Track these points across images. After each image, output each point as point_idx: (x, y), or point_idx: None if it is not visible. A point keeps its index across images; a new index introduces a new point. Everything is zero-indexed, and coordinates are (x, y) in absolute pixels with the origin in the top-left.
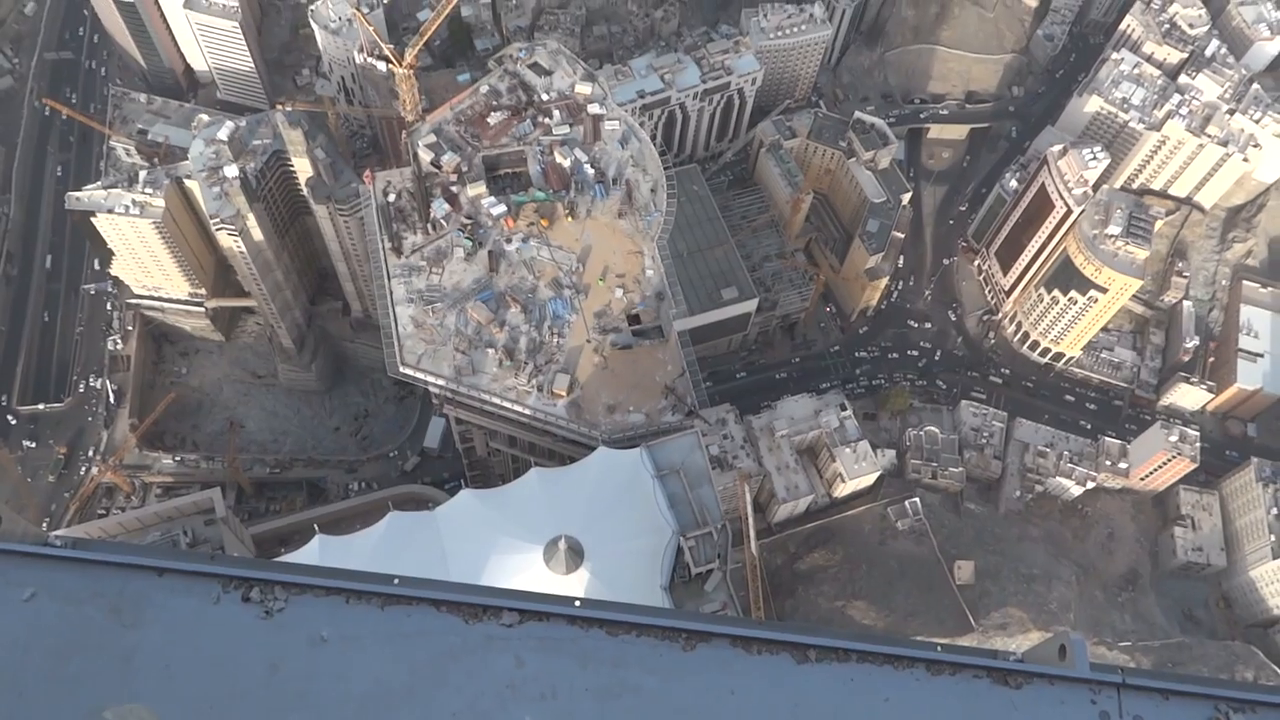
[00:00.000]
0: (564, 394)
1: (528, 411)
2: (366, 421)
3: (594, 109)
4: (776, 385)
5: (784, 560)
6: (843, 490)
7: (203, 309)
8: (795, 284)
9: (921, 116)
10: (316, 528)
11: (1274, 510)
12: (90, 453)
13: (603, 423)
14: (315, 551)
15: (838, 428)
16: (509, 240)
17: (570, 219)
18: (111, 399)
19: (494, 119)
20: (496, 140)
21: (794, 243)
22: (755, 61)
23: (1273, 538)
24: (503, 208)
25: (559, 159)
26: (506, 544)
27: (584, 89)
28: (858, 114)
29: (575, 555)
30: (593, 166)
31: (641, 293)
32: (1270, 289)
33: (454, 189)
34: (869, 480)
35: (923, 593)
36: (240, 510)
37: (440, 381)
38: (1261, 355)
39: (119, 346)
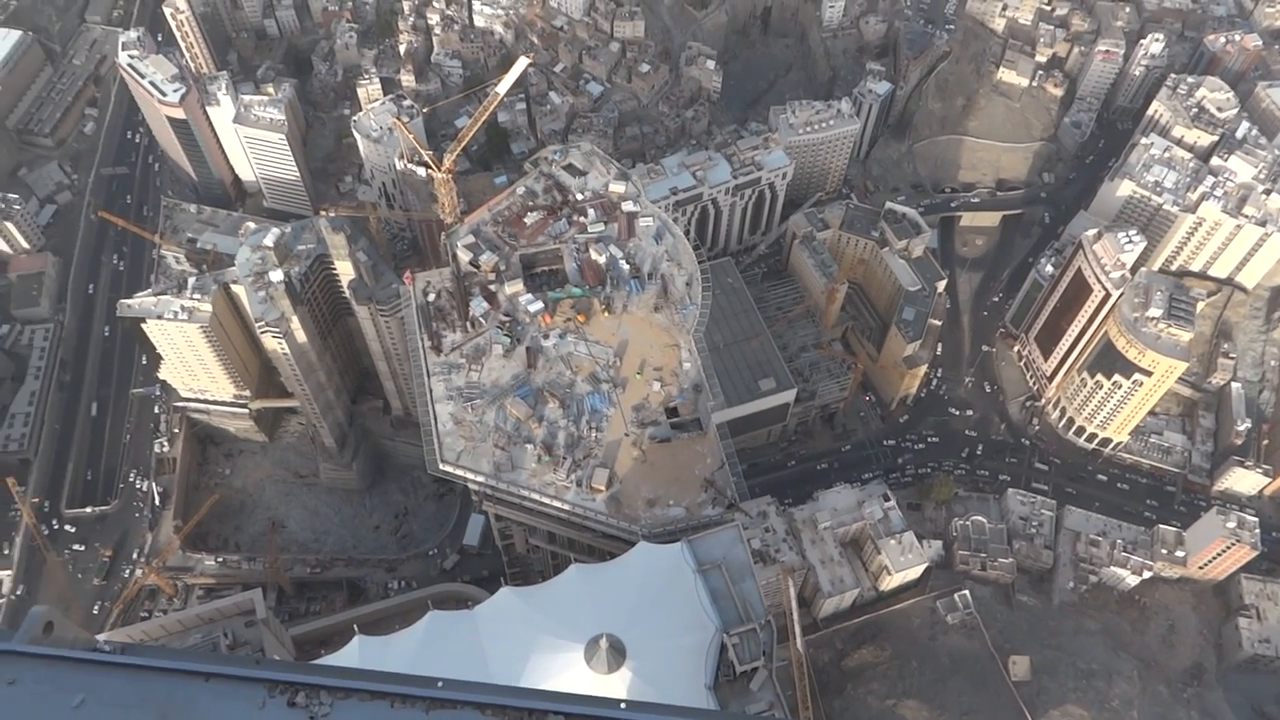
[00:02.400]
0: (603, 488)
1: (567, 507)
2: (406, 519)
3: (628, 206)
4: (817, 476)
5: (831, 657)
6: (889, 583)
7: (247, 410)
8: (833, 373)
9: (953, 205)
10: (356, 628)
11: None
12: (135, 555)
13: (642, 517)
14: (355, 653)
15: (882, 519)
16: (546, 336)
17: (606, 314)
18: (157, 501)
19: (530, 219)
20: (533, 239)
21: (830, 332)
22: (785, 157)
23: None
24: (540, 304)
25: (594, 256)
26: (547, 643)
27: (618, 187)
28: (889, 204)
29: (617, 654)
30: (628, 262)
31: (679, 385)
32: None
33: (492, 287)
34: (916, 573)
35: (977, 690)
36: (280, 611)
37: (480, 478)
38: None
39: (165, 449)
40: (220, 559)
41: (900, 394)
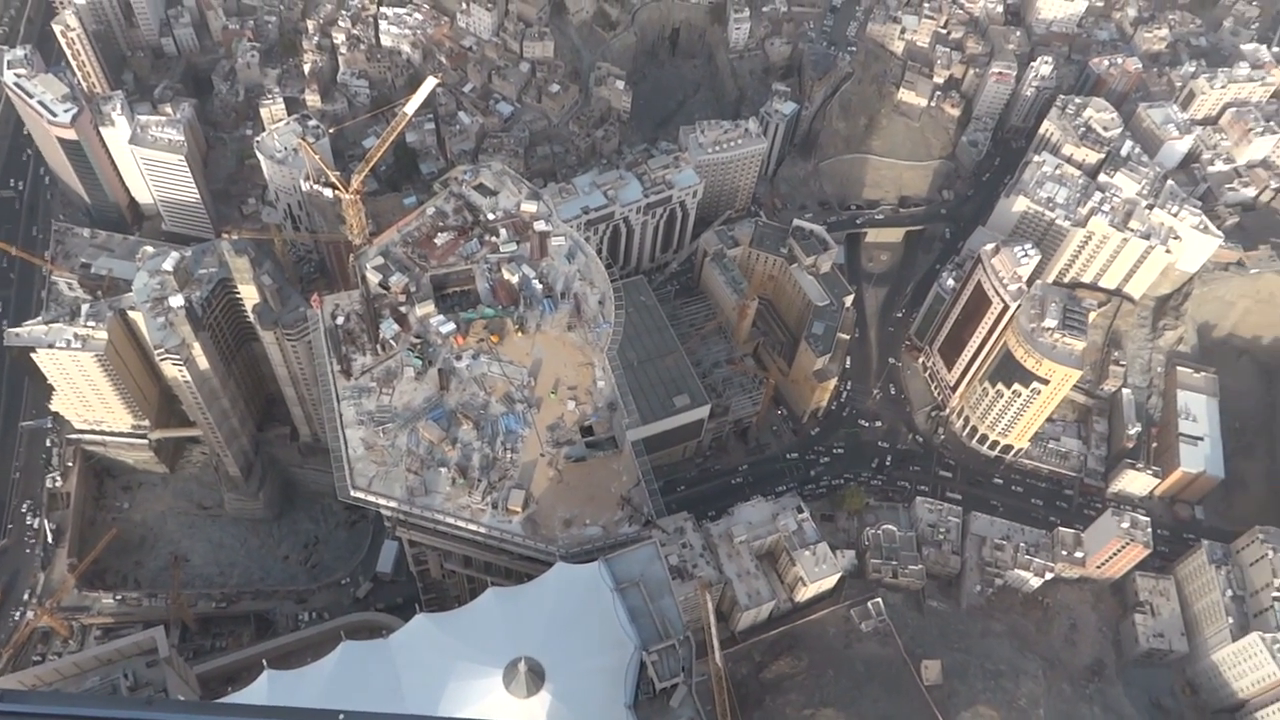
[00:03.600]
0: (519, 510)
1: (483, 530)
2: (317, 549)
3: (540, 226)
4: (732, 490)
5: (749, 670)
6: (805, 594)
7: (146, 441)
8: (746, 389)
9: (858, 222)
10: (265, 663)
11: (1229, 593)
12: (26, 595)
13: (560, 537)
14: (264, 688)
15: (796, 530)
16: (459, 357)
17: (520, 334)
18: (49, 538)
19: (441, 239)
20: (444, 260)
21: (742, 348)
22: (695, 175)
23: (1230, 620)
24: (452, 325)
25: (507, 275)
26: (464, 669)
27: (529, 207)
28: (797, 221)
29: (536, 677)
30: (540, 281)
31: (594, 404)
32: (1203, 374)
33: (403, 309)
34: (830, 582)
35: (891, 695)
36: (185, 649)
37: (392, 503)
38: (1201, 439)
39: (58, 483)
40: (119, 597)
41: (811, 407)
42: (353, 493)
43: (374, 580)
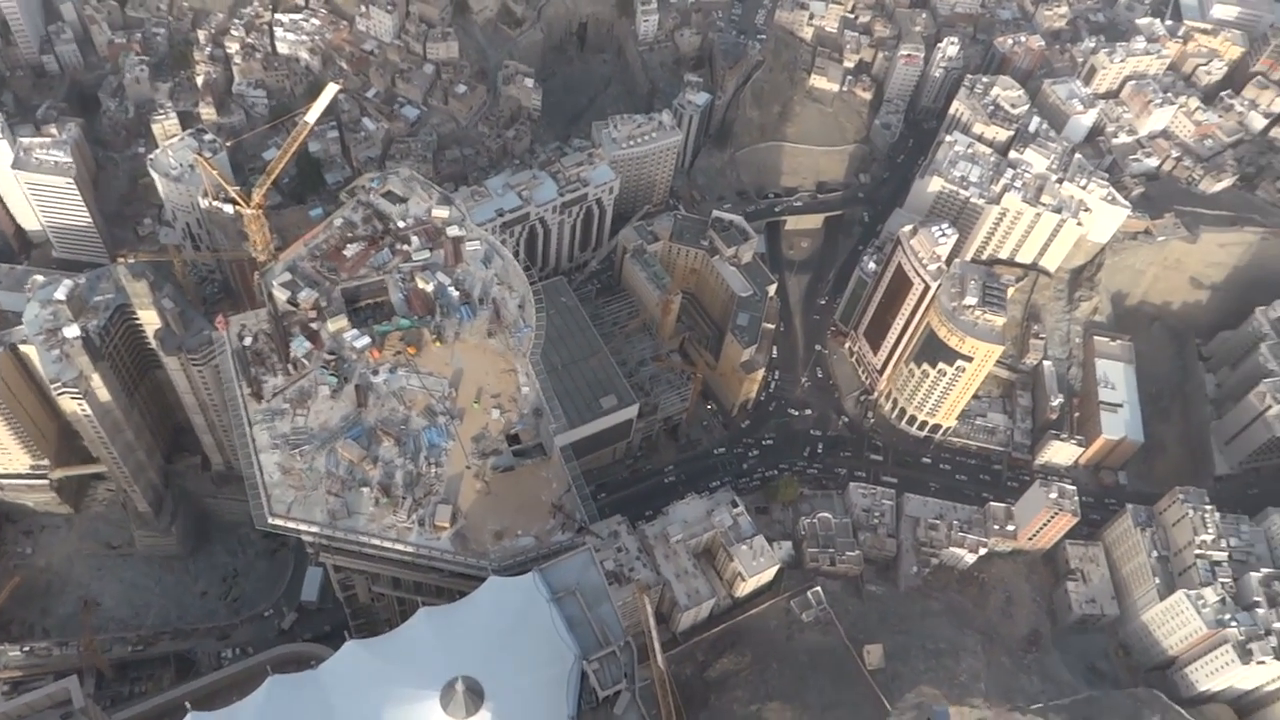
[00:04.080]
0: (447, 525)
1: (411, 549)
2: (236, 581)
3: (453, 231)
4: (666, 490)
5: (693, 670)
6: (744, 589)
7: (47, 481)
8: (674, 385)
9: (777, 210)
10: (188, 705)
11: (1154, 554)
12: None
13: (491, 551)
14: None
15: (731, 525)
16: (376, 372)
17: (438, 344)
18: None
19: (350, 251)
20: (355, 272)
21: (668, 344)
22: (610, 171)
23: (1157, 581)
24: (366, 339)
25: (421, 284)
26: (400, 694)
27: (441, 212)
28: (716, 213)
29: (475, 696)
30: (457, 288)
31: (519, 411)
32: (1119, 342)
33: (314, 326)
34: (769, 575)
35: (836, 684)
36: (101, 697)
37: (314, 528)
38: (1120, 405)
39: None
40: (26, 648)
41: (740, 399)
42: (271, 520)
43: (299, 610)
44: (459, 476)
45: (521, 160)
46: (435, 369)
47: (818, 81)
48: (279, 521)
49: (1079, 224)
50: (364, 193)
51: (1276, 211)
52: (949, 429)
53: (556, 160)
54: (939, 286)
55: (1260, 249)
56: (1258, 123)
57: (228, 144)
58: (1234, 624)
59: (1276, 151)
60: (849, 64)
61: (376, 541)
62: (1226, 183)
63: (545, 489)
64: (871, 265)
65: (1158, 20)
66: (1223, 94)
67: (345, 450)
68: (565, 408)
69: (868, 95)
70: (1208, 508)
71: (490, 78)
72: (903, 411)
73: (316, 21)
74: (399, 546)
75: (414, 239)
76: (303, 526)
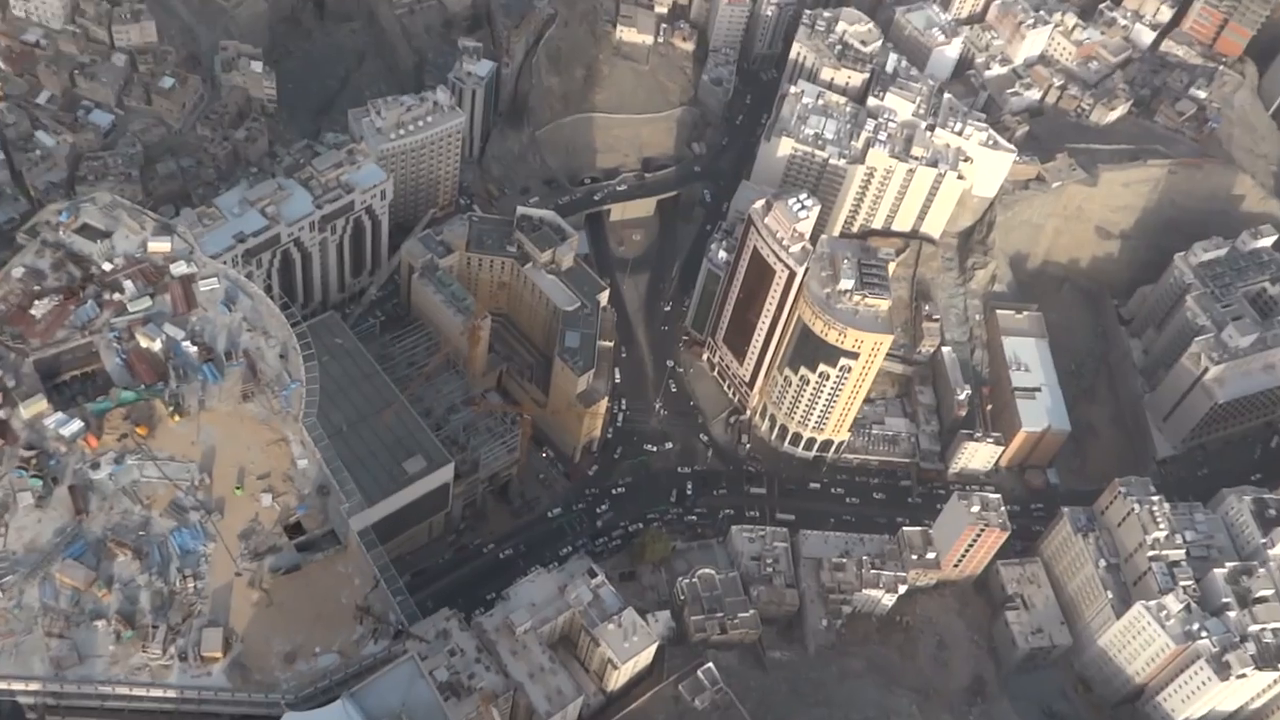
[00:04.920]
0: (219, 655)
1: (173, 693)
2: None
3: (179, 268)
4: (503, 567)
5: None
6: (618, 679)
7: None
8: (497, 433)
9: (597, 198)
10: None
11: (1101, 563)
12: None
13: (282, 679)
14: None
15: (592, 601)
16: (96, 465)
17: (178, 418)
18: None
19: (41, 309)
20: (50, 336)
21: (482, 382)
22: (379, 170)
23: (1109, 595)
24: (78, 424)
25: (145, 342)
26: None
27: (160, 245)
28: (521, 209)
29: None
30: (194, 342)
31: (297, 492)
32: (1026, 314)
33: (1, 414)
34: (647, 657)
35: None
36: None
37: (33, 685)
38: (1039, 389)
39: None
40: None
41: (583, 441)
42: None
43: None
44: (227, 588)
45: (260, 168)
46: (178, 451)
47: (626, 34)
48: None
49: (960, 177)
50: (50, 230)
51: (1180, 139)
52: (842, 444)
53: (307, 163)
54: (806, 271)
55: (1169, 185)
56: (1145, 36)
57: None
58: (1204, 634)
59: (1170, 68)
60: (661, 9)
61: (124, 690)
62: (1120, 110)
63: (345, 588)
64: (722, 254)
65: None
66: (1101, 6)
67: (65, 574)
68: (359, 480)
69: (689, 46)
70: (1154, 499)
71: (205, 64)
72: (783, 430)
73: None
74: (157, 692)
75: (127, 284)
76: (17, 685)
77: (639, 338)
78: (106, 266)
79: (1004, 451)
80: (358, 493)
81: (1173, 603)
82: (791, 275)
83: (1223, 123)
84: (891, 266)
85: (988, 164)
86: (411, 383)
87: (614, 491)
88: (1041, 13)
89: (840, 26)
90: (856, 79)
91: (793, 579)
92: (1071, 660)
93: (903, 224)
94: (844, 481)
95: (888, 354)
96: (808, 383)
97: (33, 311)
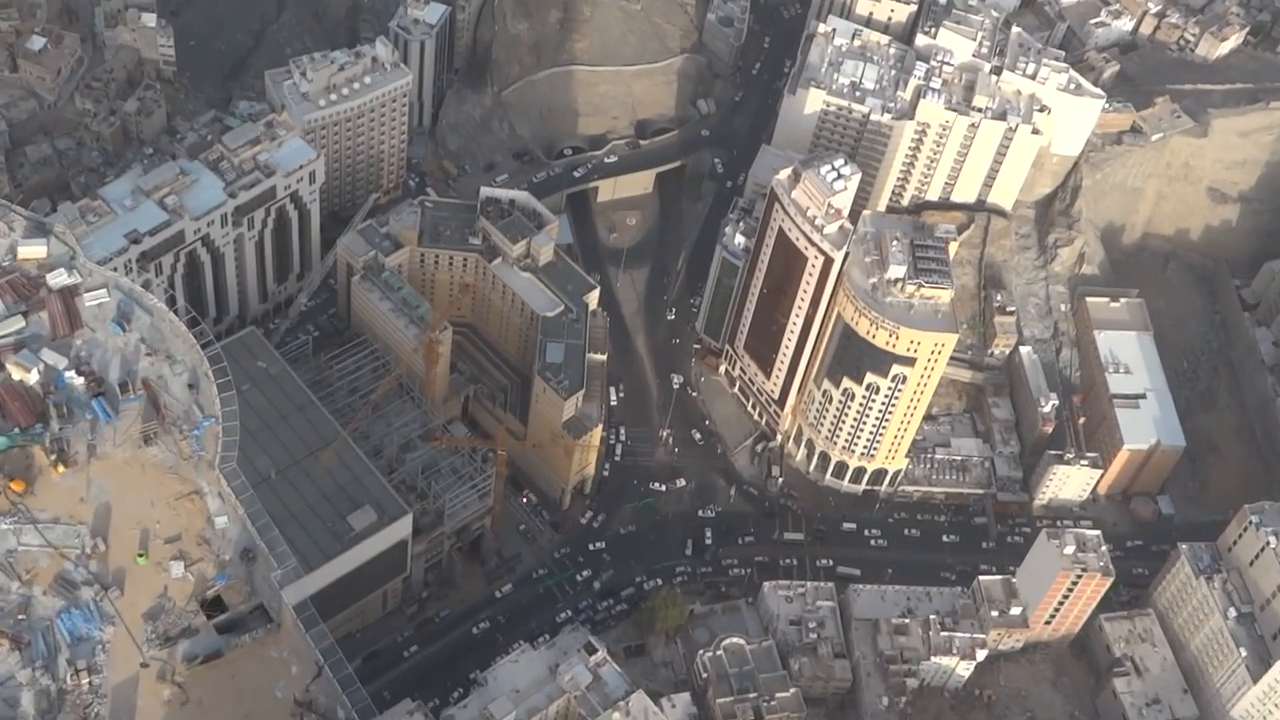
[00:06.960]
0: None
1: None
2: None
3: (57, 279)
4: (479, 645)
5: None
6: None
7: None
8: (464, 475)
9: (580, 174)
10: None
11: (1231, 612)
12: None
13: None
14: None
15: (591, 684)
16: None
17: (62, 469)
18: None
19: None
20: None
21: (443, 411)
22: (307, 147)
23: (1243, 652)
24: None
25: (17, 374)
26: None
27: (32, 251)
28: (486, 190)
29: None
30: (79, 372)
31: (216, 558)
32: (1124, 300)
33: None
34: None
35: None
36: None
37: None
38: (1143, 396)
39: None
40: None
41: (573, 481)
42: None
43: None
44: (132, 683)
45: (157, 148)
46: (63, 511)
47: None
48: None
49: (1035, 131)
50: None
51: None
52: (898, 474)
53: (215, 141)
54: (846, 257)
55: None
56: None
57: None
58: None
59: None
60: None
61: None
62: (1234, 42)
63: (280, 678)
64: (740, 240)
65: None
66: None
67: None
68: (293, 540)
69: None
70: None
71: (85, 20)
72: (824, 459)
73: None
74: None
75: None
76: None
77: (638, 348)
78: None
79: (1102, 476)
80: (292, 556)
81: None
82: (828, 263)
83: None
84: (953, 248)
85: (1069, 114)
86: (356, 414)
87: (614, 544)
88: None
89: None
90: (901, 12)
91: (843, 647)
92: None
93: (965, 194)
94: (903, 521)
95: (952, 358)
96: (853, 398)
97: None
